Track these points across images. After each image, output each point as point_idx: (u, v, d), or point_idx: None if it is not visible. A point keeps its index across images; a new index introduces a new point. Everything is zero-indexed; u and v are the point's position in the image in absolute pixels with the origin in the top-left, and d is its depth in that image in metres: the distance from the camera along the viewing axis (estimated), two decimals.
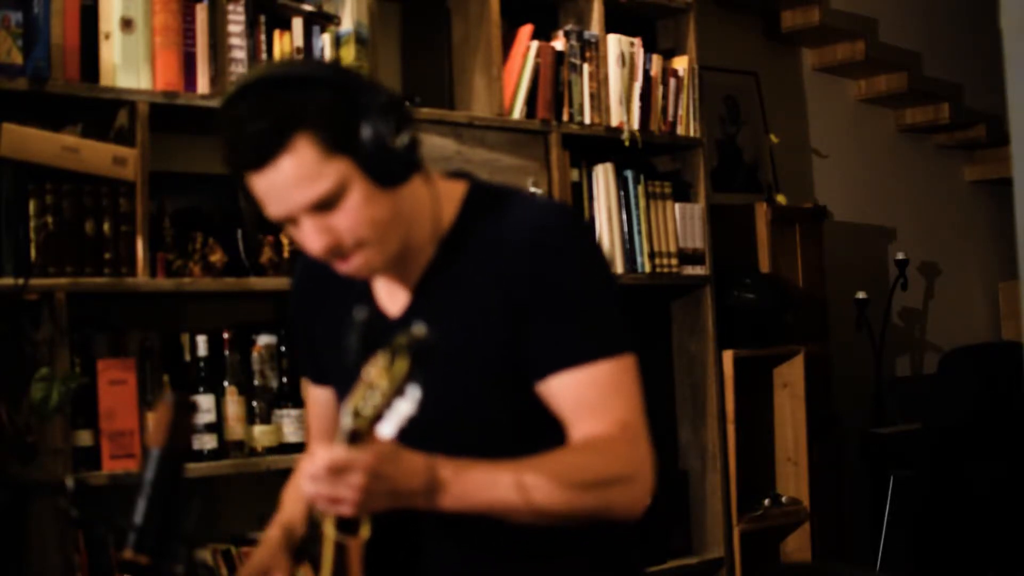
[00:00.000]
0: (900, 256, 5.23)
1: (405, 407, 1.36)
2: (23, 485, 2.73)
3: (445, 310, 1.65)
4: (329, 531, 1.44)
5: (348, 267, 1.62)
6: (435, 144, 3.41)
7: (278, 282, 3.08)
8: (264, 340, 3.16)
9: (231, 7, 3.07)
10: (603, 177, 3.88)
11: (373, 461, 1.41)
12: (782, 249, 4.53)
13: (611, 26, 3.93)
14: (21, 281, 2.67)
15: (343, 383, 1.42)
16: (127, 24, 2.90)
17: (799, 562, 4.39)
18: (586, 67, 3.83)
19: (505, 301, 1.62)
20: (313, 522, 1.51)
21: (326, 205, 1.55)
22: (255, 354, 3.16)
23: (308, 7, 3.19)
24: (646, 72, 4.00)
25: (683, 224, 4.07)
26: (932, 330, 5.70)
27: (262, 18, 3.14)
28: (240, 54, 3.08)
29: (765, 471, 4.46)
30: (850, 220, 5.34)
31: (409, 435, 1.47)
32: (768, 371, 4.46)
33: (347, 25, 3.24)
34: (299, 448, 3.04)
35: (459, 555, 1.71)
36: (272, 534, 1.77)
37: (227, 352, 3.10)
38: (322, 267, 1.69)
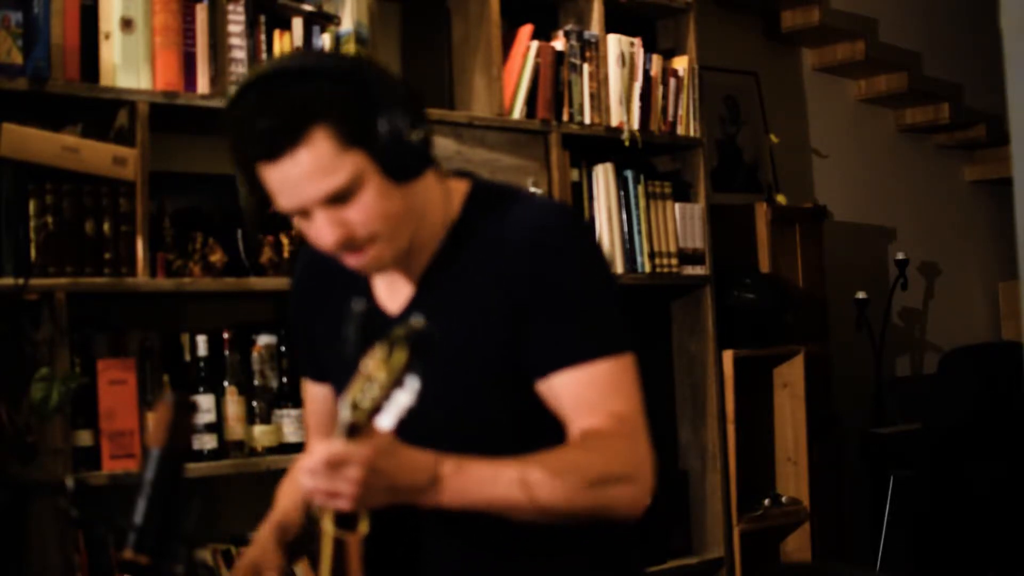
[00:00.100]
0: (900, 256, 5.23)
1: (404, 398, 1.36)
2: (23, 485, 2.73)
3: (445, 308, 1.65)
4: (328, 527, 1.44)
5: (358, 261, 1.61)
6: (435, 144, 3.40)
7: (278, 282, 3.08)
8: (264, 340, 3.16)
9: (231, 7, 3.07)
10: (603, 177, 3.88)
11: (371, 455, 1.41)
12: (782, 249, 4.53)
13: (611, 26, 3.93)
14: (21, 281, 2.67)
15: (342, 380, 1.42)
16: (127, 24, 2.90)
17: (799, 562, 4.39)
18: (586, 67, 3.83)
19: (505, 300, 1.62)
20: (311, 518, 1.51)
21: (340, 198, 1.55)
22: (255, 354, 3.16)
23: (308, 7, 3.19)
24: (646, 72, 4.00)
25: (683, 224, 4.07)
26: (932, 330, 5.70)
27: (262, 18, 3.14)
28: (240, 54, 3.08)
29: (765, 471, 4.46)
30: (850, 220, 5.34)
31: (409, 433, 1.47)
32: (768, 371, 4.46)
33: (347, 25, 3.24)
34: (299, 448, 3.04)
35: (459, 552, 1.71)
36: (263, 532, 1.76)
37: (227, 352, 3.10)
38: (322, 265, 1.69)
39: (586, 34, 3.85)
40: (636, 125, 3.94)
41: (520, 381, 1.64)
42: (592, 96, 3.83)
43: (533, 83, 3.68)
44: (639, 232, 3.94)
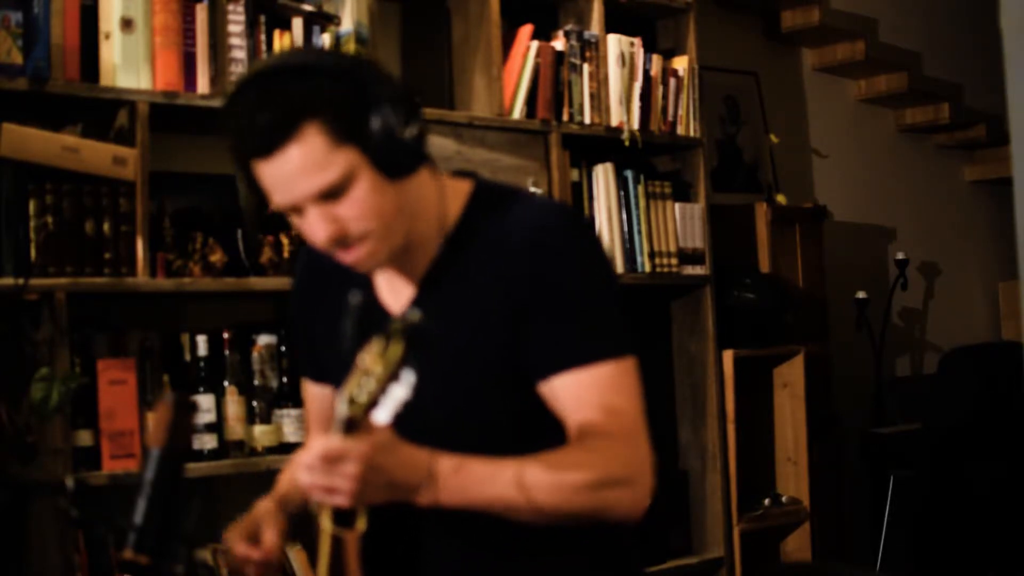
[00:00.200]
0: (900, 256, 5.23)
1: (400, 392, 1.36)
2: (23, 485, 2.73)
3: (447, 309, 1.65)
4: (326, 524, 1.44)
5: (351, 257, 1.61)
6: (435, 144, 3.41)
7: (278, 282, 3.08)
8: (264, 340, 3.16)
9: (231, 7, 3.07)
10: (603, 177, 3.88)
11: (369, 450, 1.41)
12: (782, 249, 4.53)
13: (611, 26, 3.93)
14: (21, 281, 2.67)
15: (342, 379, 1.42)
16: (127, 24, 2.90)
17: (799, 562, 4.39)
18: (586, 67, 3.83)
19: (506, 301, 1.62)
20: (309, 515, 1.51)
21: (333, 194, 1.55)
22: (255, 354, 3.16)
23: (308, 7, 3.19)
24: (646, 72, 4.00)
25: (683, 224, 4.07)
26: (932, 330, 5.70)
27: (262, 18, 3.14)
28: (240, 54, 3.08)
29: (765, 471, 4.46)
30: (850, 220, 5.34)
31: (410, 433, 1.47)
32: (768, 371, 4.46)
33: (347, 25, 3.24)
34: (299, 448, 3.04)
35: (458, 551, 1.71)
36: (263, 502, 1.76)
37: (227, 352, 3.10)
38: (324, 265, 1.69)
39: (586, 34, 3.85)
40: (636, 125, 3.94)
41: (521, 382, 1.63)
42: (592, 96, 3.83)
43: (533, 83, 3.68)
44: (639, 232, 3.94)
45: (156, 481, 1.52)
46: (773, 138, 4.89)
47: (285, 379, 3.16)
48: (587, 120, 3.82)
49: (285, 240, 3.12)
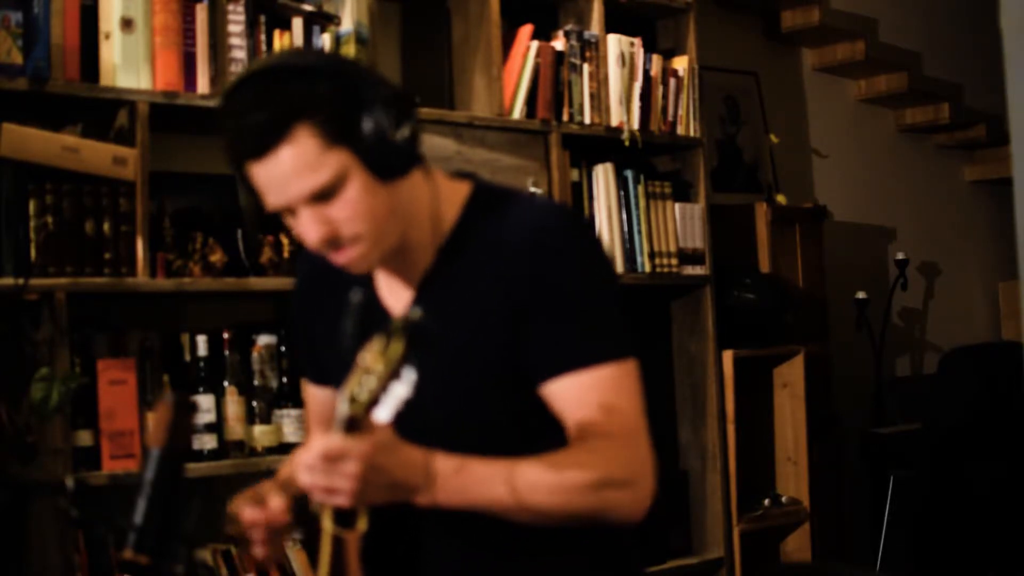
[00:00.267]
0: (900, 256, 5.23)
1: (401, 391, 1.36)
2: (23, 485, 2.73)
3: (446, 310, 1.64)
4: (327, 524, 1.44)
5: (343, 259, 1.61)
6: (435, 144, 3.41)
7: (278, 282, 3.08)
8: (264, 340, 3.16)
9: (231, 7, 3.07)
10: (603, 177, 3.88)
11: (370, 450, 1.40)
12: (782, 249, 4.53)
13: (611, 26, 3.93)
14: (21, 281, 2.67)
15: (342, 380, 1.42)
16: (127, 24, 2.90)
17: (799, 562, 4.39)
18: (586, 67, 3.83)
19: (505, 302, 1.62)
20: (310, 514, 1.51)
21: (325, 196, 1.55)
22: (255, 354, 3.16)
23: (308, 7, 3.19)
24: (646, 72, 4.00)
25: (683, 224, 4.07)
26: (932, 330, 5.70)
27: (262, 18, 3.14)
28: (240, 54, 3.08)
29: (765, 471, 4.46)
30: (850, 220, 5.34)
31: (410, 434, 1.47)
32: (768, 371, 4.46)
33: (347, 25, 3.24)
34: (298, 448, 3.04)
35: (459, 552, 1.71)
36: (266, 482, 1.75)
37: (227, 352, 3.10)
38: (325, 266, 1.69)
39: (586, 34, 3.85)
40: (636, 125, 3.94)
41: (521, 382, 1.63)
42: (592, 96, 3.83)
43: (533, 83, 3.68)
44: (639, 232, 3.94)
45: (156, 481, 1.52)
46: (773, 138, 4.89)
47: (285, 379, 3.16)
48: (587, 120, 3.82)
49: (285, 240, 3.12)
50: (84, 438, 2.84)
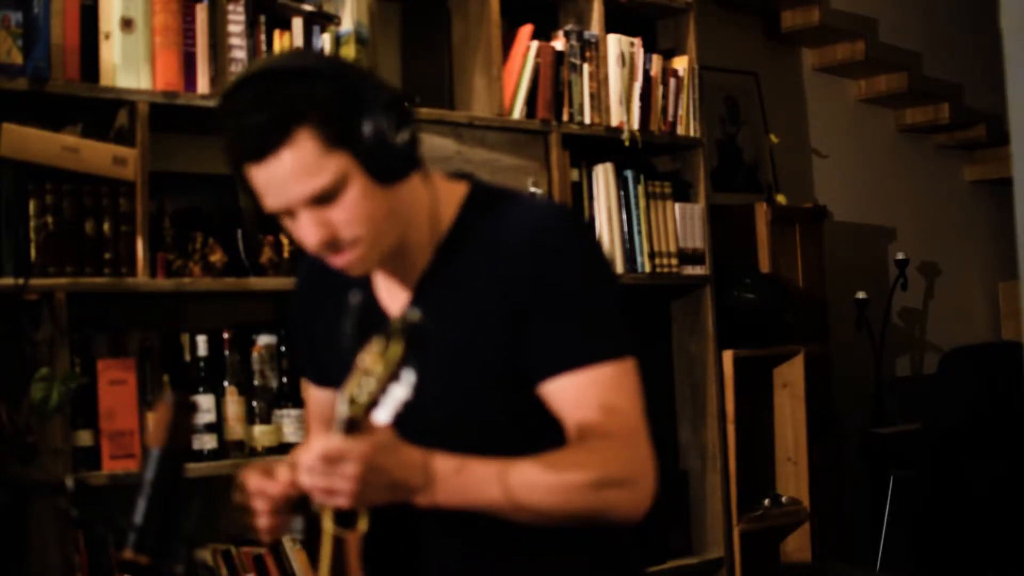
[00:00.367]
0: (900, 256, 5.23)
1: (400, 392, 1.36)
2: (23, 485, 2.73)
3: (445, 310, 1.64)
4: (327, 524, 1.44)
5: (341, 261, 1.62)
6: (435, 144, 3.41)
7: (278, 282, 3.08)
8: (264, 340, 3.16)
9: (231, 7, 3.07)
10: (603, 177, 3.88)
11: (369, 451, 1.40)
12: (782, 249, 4.53)
13: (611, 26, 3.93)
14: (21, 281, 2.67)
15: (342, 381, 1.42)
16: (127, 24, 2.90)
17: (799, 562, 4.39)
18: (586, 67, 3.83)
19: (505, 302, 1.62)
20: (311, 515, 1.51)
21: (324, 199, 1.55)
22: (255, 354, 3.16)
23: (308, 7, 3.19)
24: (646, 72, 4.00)
25: (683, 224, 4.07)
26: (932, 330, 5.70)
27: (262, 18, 3.14)
28: (240, 54, 3.08)
29: (765, 471, 4.46)
30: (850, 220, 5.34)
31: (410, 434, 1.47)
32: (768, 371, 4.46)
33: (347, 25, 3.24)
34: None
35: (459, 552, 1.71)
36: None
37: (227, 352, 3.11)
38: (325, 268, 1.69)
39: (586, 34, 3.85)
40: (636, 125, 3.94)
41: (520, 382, 1.63)
42: (592, 96, 3.83)
43: (533, 83, 3.68)
44: (639, 232, 3.94)
45: (156, 481, 1.52)
46: (773, 138, 4.89)
47: (285, 379, 3.16)
48: (587, 120, 3.82)
49: (285, 240, 3.12)
50: (84, 438, 2.84)
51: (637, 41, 4.00)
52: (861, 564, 4.81)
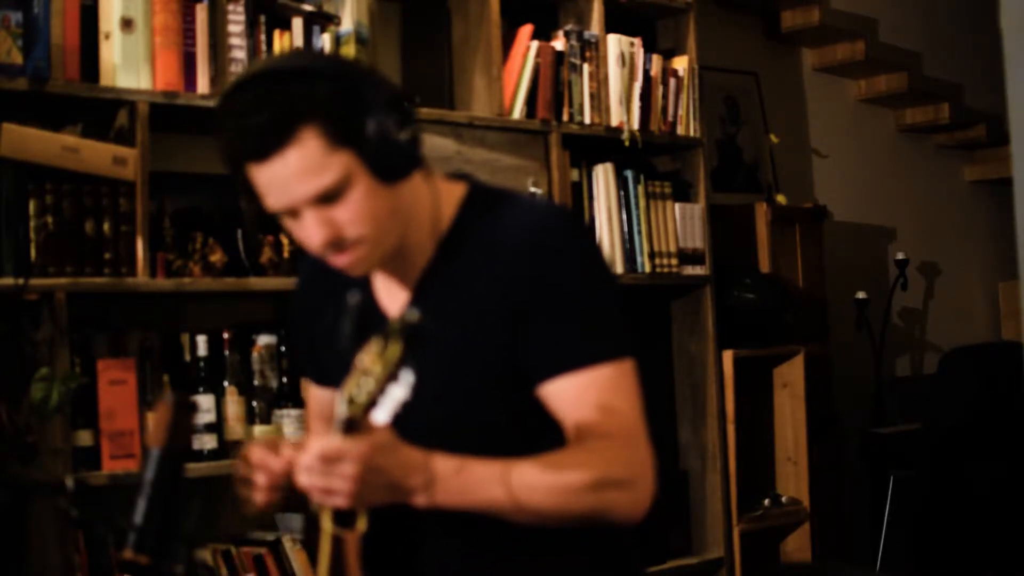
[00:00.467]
0: (900, 256, 5.23)
1: (399, 392, 1.36)
2: (23, 485, 2.73)
3: (443, 311, 1.64)
4: (326, 524, 1.44)
5: (343, 261, 1.62)
6: (435, 144, 3.41)
7: (278, 282, 3.08)
8: (264, 340, 3.16)
9: (231, 7, 3.07)
10: (603, 177, 3.88)
11: (368, 451, 1.40)
12: (782, 249, 4.53)
13: (611, 26, 3.93)
14: (21, 281, 2.67)
15: (342, 380, 1.42)
16: (127, 24, 2.90)
17: (799, 562, 4.39)
18: (586, 67, 3.83)
19: (504, 303, 1.62)
20: (310, 514, 1.51)
21: (329, 198, 1.55)
22: (255, 354, 3.16)
23: (308, 7, 3.19)
24: (646, 72, 4.00)
25: (683, 224, 4.07)
26: (932, 330, 5.70)
27: (262, 18, 3.14)
28: (240, 54, 3.08)
29: (765, 471, 4.46)
30: (850, 220, 5.34)
31: (410, 435, 1.47)
32: (768, 371, 4.46)
33: (347, 25, 3.24)
34: None
35: (459, 552, 1.71)
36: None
37: (227, 352, 3.11)
38: (325, 268, 1.69)
39: (586, 34, 3.85)
40: (636, 125, 3.94)
41: (519, 383, 1.63)
42: (592, 96, 3.83)
43: (533, 83, 3.68)
44: (639, 232, 3.94)
45: (156, 481, 1.52)
46: (773, 138, 4.89)
47: (285, 379, 3.16)
48: (587, 120, 3.82)
49: (285, 240, 3.12)
50: (84, 438, 2.84)
51: (637, 41, 4.00)
52: (861, 564, 4.81)
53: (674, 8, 4.18)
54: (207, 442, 3.02)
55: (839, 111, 5.46)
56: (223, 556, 2.98)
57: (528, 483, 1.52)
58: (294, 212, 1.57)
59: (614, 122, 3.89)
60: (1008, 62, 1.63)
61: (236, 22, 3.08)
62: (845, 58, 5.25)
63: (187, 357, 3.07)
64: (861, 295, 5.03)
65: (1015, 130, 1.64)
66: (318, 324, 1.82)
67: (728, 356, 4.14)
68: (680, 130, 4.11)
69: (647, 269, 3.94)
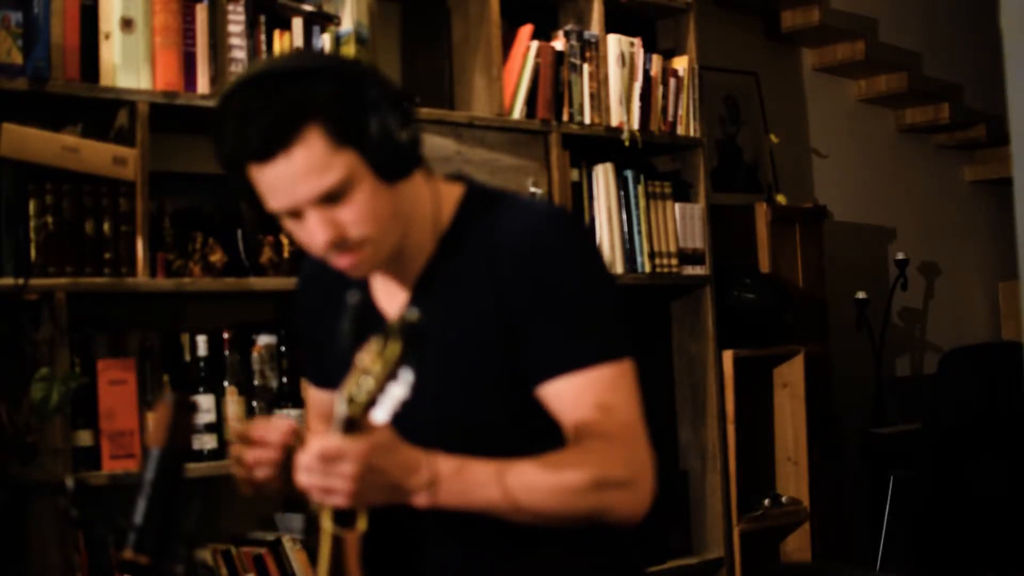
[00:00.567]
0: (900, 256, 5.23)
1: (398, 391, 1.36)
2: (23, 485, 2.73)
3: (442, 312, 1.64)
4: (326, 524, 1.44)
5: (346, 261, 1.61)
6: (435, 144, 3.41)
7: (278, 282, 3.08)
8: (264, 340, 3.16)
9: (231, 7, 3.07)
10: (603, 177, 3.88)
11: (367, 451, 1.40)
12: (782, 249, 4.53)
13: (611, 26, 3.93)
14: (21, 281, 2.67)
15: (342, 380, 1.42)
16: (127, 24, 2.90)
17: (799, 562, 4.39)
18: (586, 67, 3.83)
19: (503, 303, 1.62)
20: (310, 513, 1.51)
21: (332, 198, 1.55)
22: (255, 354, 3.16)
23: (308, 7, 3.19)
24: (646, 72, 4.00)
25: (683, 224, 4.07)
26: (932, 330, 5.70)
27: (262, 18, 3.14)
28: (240, 54, 3.08)
29: (765, 471, 4.46)
30: (850, 220, 5.34)
31: (409, 435, 1.47)
32: (768, 371, 4.46)
33: (347, 25, 3.24)
34: None
35: (458, 552, 1.71)
36: None
37: (227, 352, 3.11)
38: (327, 269, 1.69)
39: (586, 34, 3.85)
40: (636, 125, 3.94)
41: (519, 383, 1.63)
42: (592, 96, 3.83)
43: (533, 83, 3.68)
44: (639, 232, 3.94)
45: (156, 481, 1.52)
46: (773, 138, 4.89)
47: (285, 379, 3.16)
48: (587, 120, 3.82)
49: (285, 240, 3.12)
50: (84, 438, 2.84)
51: (637, 41, 4.00)
52: (861, 564, 4.81)
53: (674, 8, 4.18)
54: (207, 442, 3.02)
55: (839, 111, 5.46)
56: (223, 556, 2.98)
57: (527, 483, 1.52)
58: (296, 213, 1.57)
59: (614, 122, 3.89)
60: (1008, 62, 1.63)
61: (236, 22, 3.08)
62: (845, 58, 5.25)
63: (187, 357, 3.07)
64: (861, 295, 5.03)
65: (1015, 130, 1.64)
66: (319, 325, 1.82)
67: (728, 356, 4.14)
68: (680, 130, 4.11)
69: (647, 269, 3.94)
